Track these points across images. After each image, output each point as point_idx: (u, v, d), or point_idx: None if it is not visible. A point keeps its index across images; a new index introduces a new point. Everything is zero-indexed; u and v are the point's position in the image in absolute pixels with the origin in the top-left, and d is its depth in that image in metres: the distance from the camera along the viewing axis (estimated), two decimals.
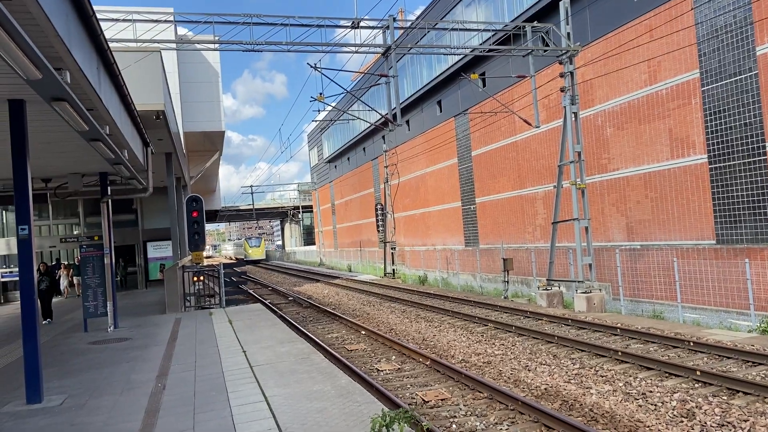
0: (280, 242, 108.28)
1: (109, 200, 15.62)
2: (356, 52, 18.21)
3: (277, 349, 11.42)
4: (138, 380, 9.36)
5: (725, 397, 8.42)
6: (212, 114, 30.26)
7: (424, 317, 18.11)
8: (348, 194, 57.42)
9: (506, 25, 21.99)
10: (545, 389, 9.43)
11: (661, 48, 19.06)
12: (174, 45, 17.48)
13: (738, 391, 8.57)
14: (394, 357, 12.65)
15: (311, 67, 18.55)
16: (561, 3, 19.09)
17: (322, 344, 13.71)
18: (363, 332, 15.93)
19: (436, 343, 13.88)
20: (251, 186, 78.60)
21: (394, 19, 17.94)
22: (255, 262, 77.33)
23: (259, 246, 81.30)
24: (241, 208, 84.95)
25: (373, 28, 18.13)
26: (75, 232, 30.62)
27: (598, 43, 21.69)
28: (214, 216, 78.43)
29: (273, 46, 16.81)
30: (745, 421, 7.45)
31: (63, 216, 30.91)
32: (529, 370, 10.74)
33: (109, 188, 15.65)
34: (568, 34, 18.81)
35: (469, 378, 9.86)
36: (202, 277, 20.80)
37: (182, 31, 25.62)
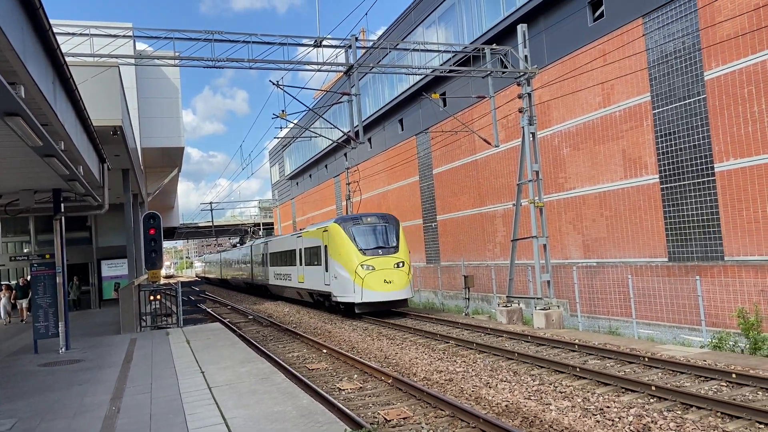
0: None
1: (63, 217, 15.17)
2: (319, 70, 18.29)
3: (237, 369, 11.22)
4: (91, 403, 9.06)
5: (679, 412, 8.64)
6: (171, 130, 29.81)
7: (386, 335, 18.07)
8: (310, 211, 57.14)
9: (466, 47, 22.44)
10: (506, 406, 9.51)
11: (614, 72, 19.73)
12: (133, 60, 17.23)
13: (691, 406, 8.81)
14: (356, 376, 12.58)
15: (273, 84, 18.51)
16: (519, 27, 19.62)
17: (283, 364, 13.53)
18: (324, 351, 15.80)
19: (398, 361, 13.86)
20: (211, 203, 77.38)
21: (357, 39, 18.11)
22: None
23: None
24: (200, 225, 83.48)
25: (335, 47, 18.25)
26: (25, 250, 29.57)
27: (554, 66, 22.32)
28: (172, 233, 76.79)
29: (235, 63, 16.74)
30: None
31: (12, 233, 29.85)
32: (490, 387, 10.82)
33: (62, 205, 15.21)
34: (526, 56, 19.31)
35: (431, 396, 9.87)
36: (158, 296, 20.32)
37: (141, 46, 25.26)
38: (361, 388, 11.43)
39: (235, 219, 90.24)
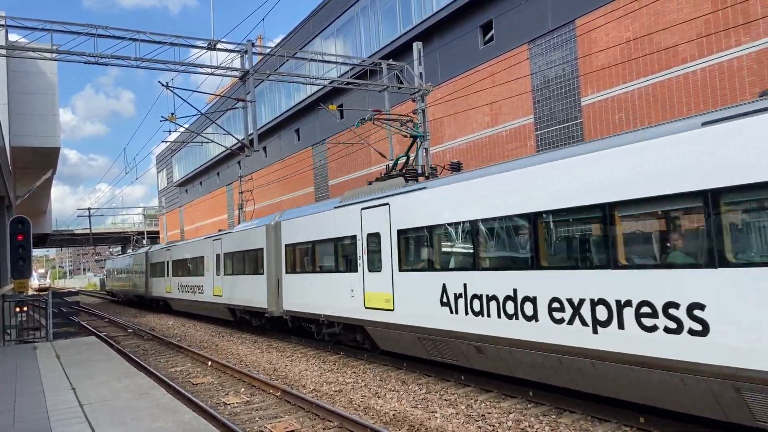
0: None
1: None
2: (212, 74, 17.75)
3: (113, 384, 10.51)
4: None
5: (554, 416, 9.14)
6: (46, 129, 27.59)
7: (276, 347, 17.73)
8: (200, 220, 55.11)
9: (364, 61, 22.74)
10: (393, 415, 9.62)
11: (502, 93, 20.81)
12: (4, 51, 15.84)
13: (565, 410, 9.35)
14: (243, 389, 12.22)
15: (163, 85, 17.74)
16: (414, 44, 20.17)
17: (165, 378, 12.86)
18: (210, 364, 15.22)
19: (287, 373, 13.62)
20: (89, 208, 72.51)
21: (253, 45, 17.79)
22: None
23: None
24: (77, 232, 77.83)
25: (230, 51, 17.81)
26: None
27: (447, 84, 23.17)
28: (43, 240, 70.94)
29: (120, 61, 15.85)
30: None
31: None
32: (378, 397, 10.90)
33: None
34: (421, 74, 19.87)
35: (320, 407, 9.79)
36: (26, 308, 18.66)
37: (14, 36, 23.29)
38: (248, 401, 11.12)
39: (116, 227, 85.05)
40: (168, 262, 30.80)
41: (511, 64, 20.26)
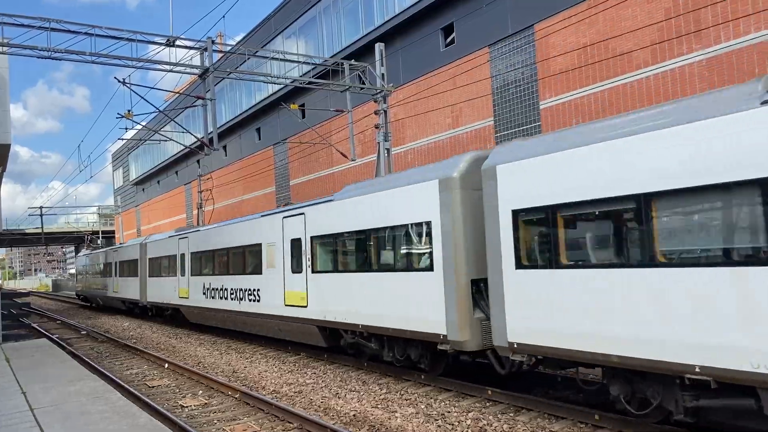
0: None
1: None
2: (171, 71, 17.45)
3: (66, 388, 10.23)
4: None
5: (512, 414, 9.30)
6: None
7: (235, 348, 17.52)
8: (157, 219, 54.04)
9: (326, 60, 22.68)
10: (354, 415, 9.63)
11: (463, 95, 21.05)
12: None
13: (522, 408, 9.52)
14: (201, 391, 12.04)
15: (119, 81, 17.36)
16: (377, 45, 20.23)
17: (119, 381, 12.57)
18: (167, 366, 14.95)
19: (247, 375, 13.49)
20: (41, 207, 70.23)
21: (213, 42, 17.56)
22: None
23: None
24: (28, 231, 75.23)
25: (190, 48, 17.55)
26: None
27: (409, 86, 23.30)
28: None
29: (74, 56, 15.43)
30: None
31: None
32: (339, 398, 10.89)
33: None
34: (383, 74, 19.95)
35: (280, 408, 9.73)
36: None
37: None
38: (206, 404, 10.97)
39: (69, 226, 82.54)
40: (183, 255, 22.60)
41: (472, 67, 20.53)
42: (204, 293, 20.00)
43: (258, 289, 16.24)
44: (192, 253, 21.38)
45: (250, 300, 16.70)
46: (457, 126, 21.36)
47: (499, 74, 19.79)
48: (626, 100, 16.32)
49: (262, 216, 16.50)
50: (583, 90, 17.21)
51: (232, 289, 17.82)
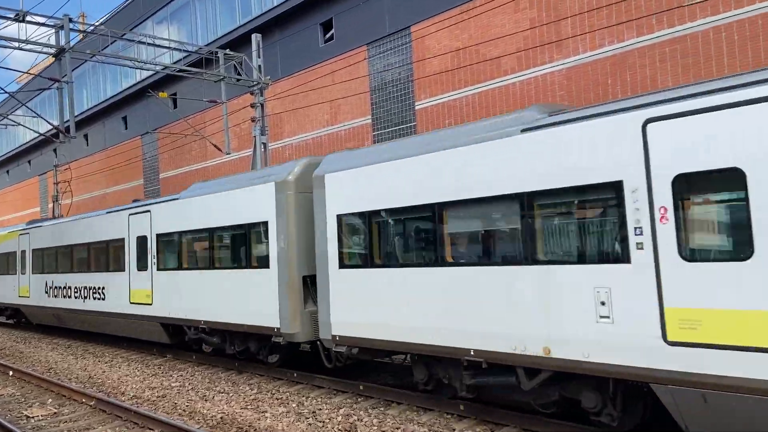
0: None
1: None
2: (20, 48, 15.80)
3: None
4: None
5: (383, 408, 9.40)
6: None
7: (93, 352, 16.27)
8: (7, 213, 49.04)
9: (200, 48, 21.70)
10: (221, 418, 9.26)
11: (341, 92, 21.06)
12: None
13: (392, 402, 9.66)
14: (50, 400, 11.03)
15: None
16: (253, 36, 19.67)
17: None
18: (11, 374, 13.56)
19: (104, 380, 12.55)
20: None
21: (71, 20, 16.14)
22: None
23: None
24: None
25: (43, 25, 16.00)
26: None
27: (287, 80, 22.93)
28: None
29: None
30: (398, 428, 8.42)
31: None
32: (206, 400, 10.44)
33: None
34: (260, 66, 19.43)
35: (140, 415, 9.13)
36: None
37: None
38: (55, 413, 10.05)
39: None
40: (24, 252, 20.98)
41: (351, 64, 20.59)
42: (47, 292, 18.88)
43: (103, 287, 15.70)
44: (33, 250, 20.07)
45: (95, 298, 16.05)
46: (335, 123, 21.33)
47: (377, 73, 20.01)
48: (495, 104, 17.14)
49: (107, 212, 16.10)
50: (456, 92, 17.84)
51: (76, 287, 17.02)
